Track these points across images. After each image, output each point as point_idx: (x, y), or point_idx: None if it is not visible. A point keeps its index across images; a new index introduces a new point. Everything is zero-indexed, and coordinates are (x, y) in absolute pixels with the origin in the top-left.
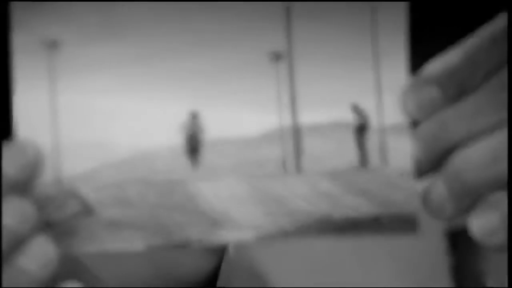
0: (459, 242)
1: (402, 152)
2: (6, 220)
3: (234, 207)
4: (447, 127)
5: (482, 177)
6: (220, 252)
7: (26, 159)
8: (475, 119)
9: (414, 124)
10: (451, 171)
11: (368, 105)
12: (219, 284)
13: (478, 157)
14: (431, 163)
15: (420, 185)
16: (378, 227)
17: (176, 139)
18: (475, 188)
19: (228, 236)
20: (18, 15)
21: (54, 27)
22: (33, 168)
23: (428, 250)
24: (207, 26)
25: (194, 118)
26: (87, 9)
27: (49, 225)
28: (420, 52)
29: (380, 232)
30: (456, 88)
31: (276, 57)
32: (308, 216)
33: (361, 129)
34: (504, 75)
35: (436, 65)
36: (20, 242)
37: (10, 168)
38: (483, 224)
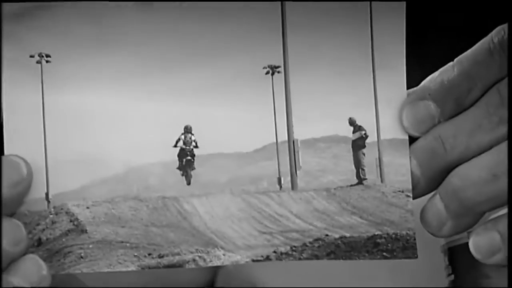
0: (458, 259)
1: (399, 168)
2: None
3: (228, 225)
4: (444, 143)
5: (481, 195)
6: (214, 271)
7: (17, 176)
8: (473, 134)
9: (412, 140)
10: (449, 188)
11: (366, 120)
12: None
13: (476, 174)
14: (429, 180)
15: (417, 203)
16: (374, 247)
17: (169, 154)
18: (473, 206)
19: (222, 256)
20: (9, 27)
21: (45, 40)
22: (24, 185)
23: (426, 269)
24: (203, 39)
25: (187, 132)
26: (79, 22)
27: (40, 244)
28: (418, 66)
29: (377, 253)
30: (453, 103)
31: (272, 70)
32: (303, 236)
33: (359, 144)
34: (502, 89)
35: (433, 80)
36: (11, 263)
37: (1, 186)
38: (483, 243)
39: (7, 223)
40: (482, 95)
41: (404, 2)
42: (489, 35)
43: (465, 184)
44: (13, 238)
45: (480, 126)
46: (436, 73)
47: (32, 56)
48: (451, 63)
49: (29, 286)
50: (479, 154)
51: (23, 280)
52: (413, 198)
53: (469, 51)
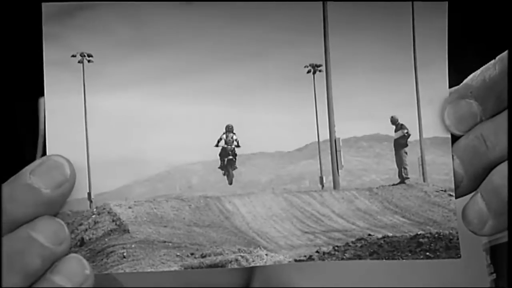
0: (500, 257)
1: (442, 167)
2: (41, 239)
3: (270, 225)
4: (486, 141)
5: None
6: (253, 270)
7: (60, 177)
8: None
9: (454, 138)
10: (490, 187)
11: (408, 118)
12: None
13: None
14: (472, 178)
15: (459, 202)
16: (417, 247)
17: (211, 153)
18: None
19: (264, 256)
20: (51, 28)
21: (87, 40)
22: (68, 186)
23: (468, 268)
24: (244, 38)
25: (229, 132)
26: (120, 22)
27: (82, 244)
28: (460, 65)
29: (420, 253)
30: (495, 101)
31: (314, 69)
32: (346, 235)
33: (401, 143)
34: None
35: (475, 79)
36: (54, 261)
37: (45, 186)
38: None
39: (50, 222)
40: None
41: (446, 2)
42: None
43: (506, 182)
44: (56, 237)
45: None
46: (477, 71)
47: (73, 56)
48: (492, 61)
49: (73, 286)
50: None
51: (67, 279)
52: (456, 197)
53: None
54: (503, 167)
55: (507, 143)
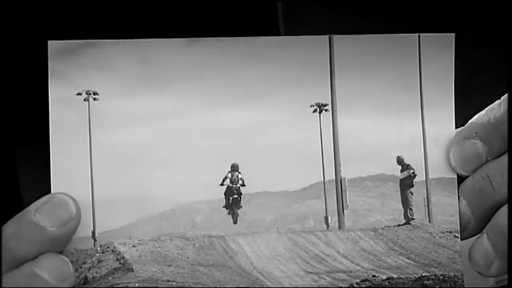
0: None
1: (447, 208)
2: (45, 276)
3: (274, 265)
4: (492, 182)
5: None
6: None
7: (66, 215)
8: None
9: (461, 179)
10: (496, 227)
11: (414, 159)
12: None
13: None
14: (479, 219)
15: (465, 244)
16: None
17: (216, 192)
18: None
19: None
20: (56, 66)
21: (93, 78)
22: (73, 224)
23: None
24: (250, 76)
25: (235, 170)
26: (125, 60)
27: (86, 282)
28: (467, 105)
29: None
30: (500, 141)
31: (320, 108)
32: (350, 276)
33: (406, 184)
34: None
35: (480, 119)
36: None
37: (51, 224)
38: None
39: (54, 259)
40: None
41: (453, 34)
42: None
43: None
44: (61, 274)
45: None
46: (482, 112)
47: (79, 94)
48: (497, 101)
49: None
50: None
51: None
52: (464, 238)
53: None
54: (508, 206)
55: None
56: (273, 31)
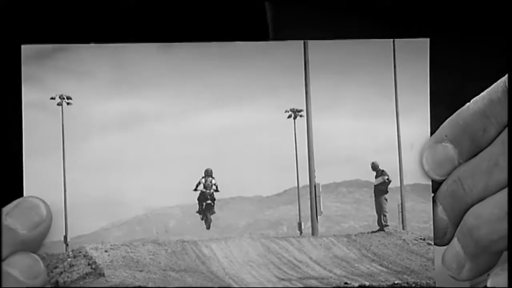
0: None
1: (421, 214)
2: (15, 273)
3: (246, 271)
4: (463, 184)
5: (494, 233)
6: None
7: (37, 218)
8: (491, 173)
9: (436, 185)
10: (464, 229)
11: (389, 165)
12: None
13: (488, 212)
14: (455, 224)
15: (439, 250)
16: None
17: (190, 197)
18: (489, 244)
19: None
20: (30, 70)
21: (66, 82)
22: (44, 226)
23: None
24: (224, 82)
25: (208, 176)
26: (100, 65)
27: (57, 287)
28: (442, 110)
29: None
30: (470, 143)
31: (295, 114)
32: (322, 283)
33: (381, 190)
34: None
35: (450, 122)
36: None
37: (22, 227)
38: (502, 283)
39: (25, 257)
40: (498, 135)
41: (428, 39)
42: (505, 76)
43: (478, 222)
44: (31, 271)
45: (497, 164)
46: (453, 115)
47: (53, 98)
48: (466, 104)
49: None
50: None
51: None
52: (444, 245)
53: (484, 91)
54: (476, 208)
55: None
56: (262, 35)
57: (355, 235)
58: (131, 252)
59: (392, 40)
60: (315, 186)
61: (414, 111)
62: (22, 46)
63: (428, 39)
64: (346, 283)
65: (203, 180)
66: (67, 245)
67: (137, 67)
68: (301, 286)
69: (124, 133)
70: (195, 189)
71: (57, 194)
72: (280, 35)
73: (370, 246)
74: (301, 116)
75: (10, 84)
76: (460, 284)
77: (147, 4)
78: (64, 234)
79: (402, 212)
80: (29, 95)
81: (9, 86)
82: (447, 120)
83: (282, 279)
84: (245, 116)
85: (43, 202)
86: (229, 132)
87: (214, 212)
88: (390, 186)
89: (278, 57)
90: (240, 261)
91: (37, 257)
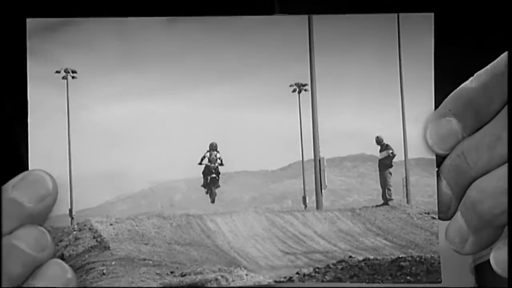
0: (485, 278)
1: (426, 188)
2: (22, 246)
3: (251, 244)
4: (467, 158)
5: (497, 206)
6: None
7: (43, 190)
8: (494, 147)
9: (440, 160)
10: (468, 203)
11: (393, 139)
12: None
13: (492, 185)
14: (459, 198)
15: (443, 224)
16: (398, 271)
17: (194, 171)
18: (492, 218)
19: (244, 276)
20: (35, 44)
21: (71, 56)
22: (50, 199)
23: None
24: (229, 56)
25: (213, 150)
26: (105, 37)
27: (62, 260)
28: (446, 84)
29: (400, 277)
30: (474, 117)
31: (299, 88)
32: (327, 257)
33: (385, 164)
34: None
35: (454, 96)
36: (37, 267)
37: (28, 200)
38: (504, 258)
39: (33, 230)
40: (502, 108)
41: (432, 14)
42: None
43: (482, 196)
44: (38, 244)
45: (500, 138)
46: (456, 89)
47: (58, 72)
48: (470, 78)
49: None
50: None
51: (49, 284)
52: (448, 219)
53: (488, 65)
54: (480, 181)
55: (507, 144)
56: (268, 9)
57: (360, 209)
58: (136, 225)
59: (396, 14)
60: (319, 160)
61: (418, 85)
62: (27, 20)
63: (432, 14)
64: (350, 257)
65: (208, 154)
66: (72, 218)
67: (142, 41)
68: (306, 260)
69: (129, 107)
70: (200, 163)
71: (62, 167)
72: (286, 10)
73: (375, 220)
74: (305, 90)
75: (15, 57)
76: (463, 258)
77: None
78: (69, 207)
79: (406, 186)
80: (34, 69)
81: (14, 60)
82: (450, 95)
83: (287, 253)
84: (250, 90)
85: (49, 175)
86: (234, 106)
87: (219, 186)
88: (394, 160)
89: (283, 31)
90: (245, 235)
91: (44, 230)
